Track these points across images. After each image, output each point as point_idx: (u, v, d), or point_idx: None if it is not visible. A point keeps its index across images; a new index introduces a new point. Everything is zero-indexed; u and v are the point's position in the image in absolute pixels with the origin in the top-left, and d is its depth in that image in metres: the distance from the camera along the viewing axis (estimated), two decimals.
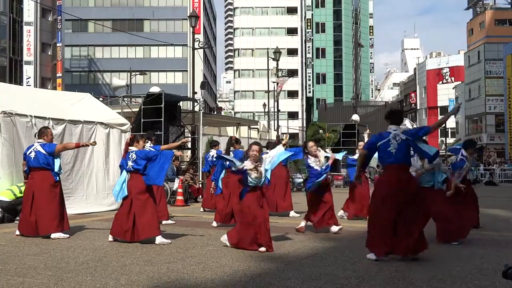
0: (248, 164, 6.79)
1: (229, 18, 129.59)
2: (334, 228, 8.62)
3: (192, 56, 22.86)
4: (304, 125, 65.99)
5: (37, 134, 8.31)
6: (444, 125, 49.15)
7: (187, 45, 51.64)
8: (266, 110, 44.79)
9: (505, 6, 59.99)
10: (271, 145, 10.98)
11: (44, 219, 7.80)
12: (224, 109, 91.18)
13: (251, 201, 6.79)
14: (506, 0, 60.07)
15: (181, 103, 18.18)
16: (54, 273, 5.37)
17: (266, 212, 6.90)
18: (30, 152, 7.98)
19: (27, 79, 44.42)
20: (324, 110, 61.91)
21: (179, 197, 14.02)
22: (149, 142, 9.18)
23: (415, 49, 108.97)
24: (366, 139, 12.50)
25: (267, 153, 7.62)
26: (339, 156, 9.14)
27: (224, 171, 9.65)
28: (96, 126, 12.13)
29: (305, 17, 79.52)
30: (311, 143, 8.67)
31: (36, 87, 40.14)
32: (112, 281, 5.01)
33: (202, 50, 30.82)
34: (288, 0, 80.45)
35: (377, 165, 21.34)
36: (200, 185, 16.11)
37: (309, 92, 77.95)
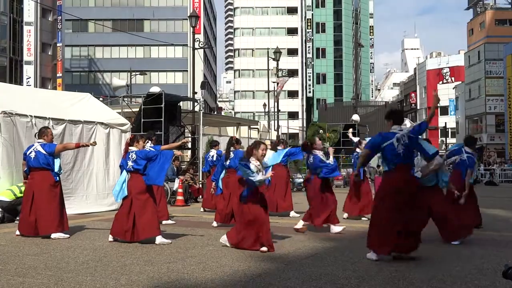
0: (261, 175, 6.84)
1: (229, 18, 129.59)
2: (337, 228, 8.62)
3: (192, 56, 22.85)
4: (304, 125, 66.00)
5: (37, 134, 8.31)
6: (444, 125, 49.35)
7: (187, 45, 51.64)
8: (266, 110, 44.79)
9: (505, 6, 59.99)
10: (271, 145, 10.99)
11: (44, 219, 7.80)
12: (224, 109, 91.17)
13: (253, 201, 6.80)
14: (506, 0, 60.11)
15: (181, 103, 18.19)
16: (54, 273, 5.37)
17: (267, 212, 6.92)
18: (30, 152, 7.98)
19: (27, 79, 44.43)
20: (324, 110, 61.98)
21: (179, 197, 14.02)
22: (150, 142, 9.18)
23: (415, 49, 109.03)
24: (350, 137, 12.52)
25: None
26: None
27: (224, 171, 9.65)
28: (96, 126, 12.13)
29: (305, 17, 79.53)
30: (319, 140, 9.12)
31: (36, 87, 40.14)
32: (112, 281, 5.01)
33: (202, 50, 30.81)
34: (288, 0, 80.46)
35: (378, 165, 21.36)
36: (200, 185, 16.11)
37: (309, 92, 77.97)
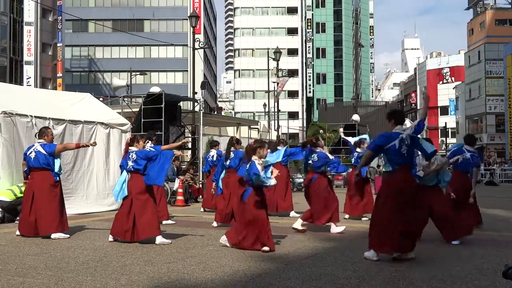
0: (274, 180, 6.88)
1: (230, 18, 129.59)
2: (338, 229, 8.62)
3: (193, 56, 22.86)
4: (304, 125, 65.99)
5: (37, 134, 8.31)
6: (444, 125, 49.36)
7: (187, 45, 51.65)
8: (266, 110, 44.79)
9: (505, 6, 60.01)
10: (271, 145, 10.98)
11: (44, 219, 7.80)
12: (224, 109, 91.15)
13: (255, 201, 6.81)
14: (506, 0, 60.11)
15: (181, 103, 18.20)
16: (54, 273, 5.37)
17: (267, 212, 6.94)
18: (30, 152, 7.98)
19: (27, 79, 44.44)
20: (325, 110, 61.95)
21: (179, 197, 14.02)
22: (150, 142, 9.19)
23: (415, 49, 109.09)
24: (343, 136, 12.44)
25: None
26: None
27: (224, 171, 9.65)
28: (97, 126, 12.13)
29: (305, 17, 79.54)
30: (321, 139, 9.29)
31: (37, 87, 40.16)
32: (112, 281, 5.01)
33: (202, 50, 30.81)
34: (288, 0, 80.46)
35: (378, 165, 21.31)
36: (201, 185, 16.10)
37: (310, 92, 77.97)
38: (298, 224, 8.70)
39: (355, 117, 25.96)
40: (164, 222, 9.48)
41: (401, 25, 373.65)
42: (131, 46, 58.40)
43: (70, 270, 5.53)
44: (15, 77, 43.89)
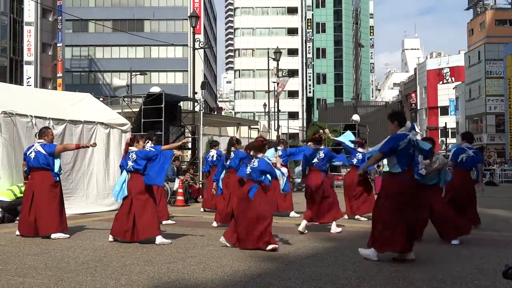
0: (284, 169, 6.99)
1: (230, 18, 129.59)
2: (338, 229, 8.62)
3: (193, 56, 22.86)
4: (305, 125, 65.97)
5: (37, 134, 8.31)
6: (444, 125, 49.35)
7: (187, 45, 51.64)
8: (267, 110, 44.78)
9: (505, 6, 60.02)
10: (271, 145, 10.98)
11: (44, 219, 7.80)
12: (224, 109, 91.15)
13: (260, 199, 6.85)
14: (506, 0, 60.12)
15: (181, 103, 18.18)
16: (54, 273, 5.37)
17: (271, 210, 7.03)
18: (30, 152, 7.98)
19: (27, 79, 44.44)
20: (325, 110, 61.86)
21: (180, 197, 14.02)
22: (150, 142, 9.19)
23: (415, 49, 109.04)
24: (331, 137, 11.83)
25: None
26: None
27: (224, 171, 9.65)
28: (97, 126, 12.12)
29: (305, 17, 79.52)
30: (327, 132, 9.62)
31: (37, 87, 40.16)
32: (112, 281, 5.01)
33: (202, 50, 30.80)
34: (288, 0, 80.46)
35: (378, 165, 21.34)
36: (201, 185, 16.10)
37: (310, 92, 77.96)
38: (302, 227, 8.58)
39: (355, 117, 25.95)
40: (164, 222, 9.48)
41: (401, 25, 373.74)
42: (131, 46, 58.40)
43: (70, 270, 5.52)
44: (15, 77, 43.89)
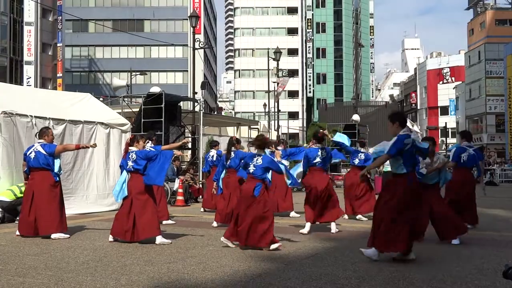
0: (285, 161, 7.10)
1: (230, 18, 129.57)
2: (336, 228, 8.62)
3: (193, 56, 22.86)
4: (305, 125, 65.98)
5: (37, 134, 8.31)
6: (444, 125, 49.35)
7: (187, 45, 51.64)
8: (267, 110, 44.78)
9: (505, 6, 60.03)
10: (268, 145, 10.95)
11: (44, 219, 7.80)
12: (224, 109, 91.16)
13: (265, 197, 6.92)
14: (506, 0, 60.12)
15: (181, 103, 18.18)
16: (54, 273, 5.37)
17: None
18: (30, 153, 7.98)
19: (27, 79, 44.44)
20: (325, 110, 61.85)
21: (180, 197, 14.02)
22: (150, 142, 9.19)
23: (415, 49, 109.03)
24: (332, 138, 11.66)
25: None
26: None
27: (224, 171, 9.65)
28: (97, 126, 12.12)
29: (305, 17, 79.52)
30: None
31: (37, 87, 40.14)
32: (112, 281, 5.01)
33: (202, 50, 30.80)
34: (288, 0, 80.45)
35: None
36: (201, 185, 16.10)
37: (310, 92, 77.95)
38: (306, 229, 8.52)
39: (355, 117, 25.95)
40: (164, 222, 9.48)
41: (401, 25, 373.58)
42: (131, 46, 58.40)
43: (70, 270, 5.52)
44: (15, 77, 43.89)
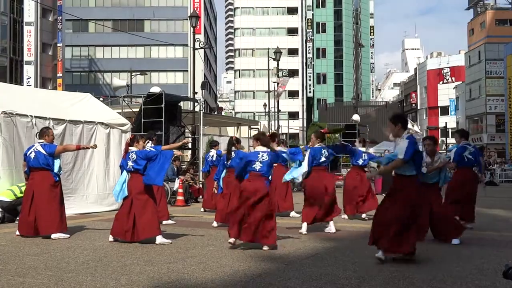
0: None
1: (230, 18, 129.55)
2: (334, 228, 8.62)
3: (193, 56, 22.86)
4: (305, 125, 65.98)
5: (38, 134, 8.31)
6: (444, 125, 49.36)
7: (187, 45, 51.64)
8: (267, 110, 44.77)
9: (505, 6, 60.04)
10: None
11: (44, 219, 7.80)
12: (224, 109, 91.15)
13: (272, 196, 6.94)
14: (506, 0, 60.12)
15: (181, 103, 18.19)
16: (54, 273, 5.37)
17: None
18: (30, 153, 7.98)
19: (27, 79, 44.44)
20: (325, 110, 61.90)
21: (180, 197, 14.02)
22: (150, 142, 9.18)
23: (415, 49, 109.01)
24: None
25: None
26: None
27: (225, 171, 9.64)
28: (97, 126, 12.12)
29: (305, 17, 79.52)
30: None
31: (37, 87, 40.15)
32: (112, 281, 5.01)
33: (202, 50, 30.82)
34: (288, 0, 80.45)
35: (378, 165, 21.32)
36: (201, 185, 16.10)
37: (310, 92, 77.95)
38: (304, 229, 8.50)
39: (355, 117, 25.97)
40: (164, 222, 9.48)
41: (401, 25, 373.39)
42: (131, 46, 58.39)
43: (70, 270, 5.52)
44: (15, 77, 43.89)
